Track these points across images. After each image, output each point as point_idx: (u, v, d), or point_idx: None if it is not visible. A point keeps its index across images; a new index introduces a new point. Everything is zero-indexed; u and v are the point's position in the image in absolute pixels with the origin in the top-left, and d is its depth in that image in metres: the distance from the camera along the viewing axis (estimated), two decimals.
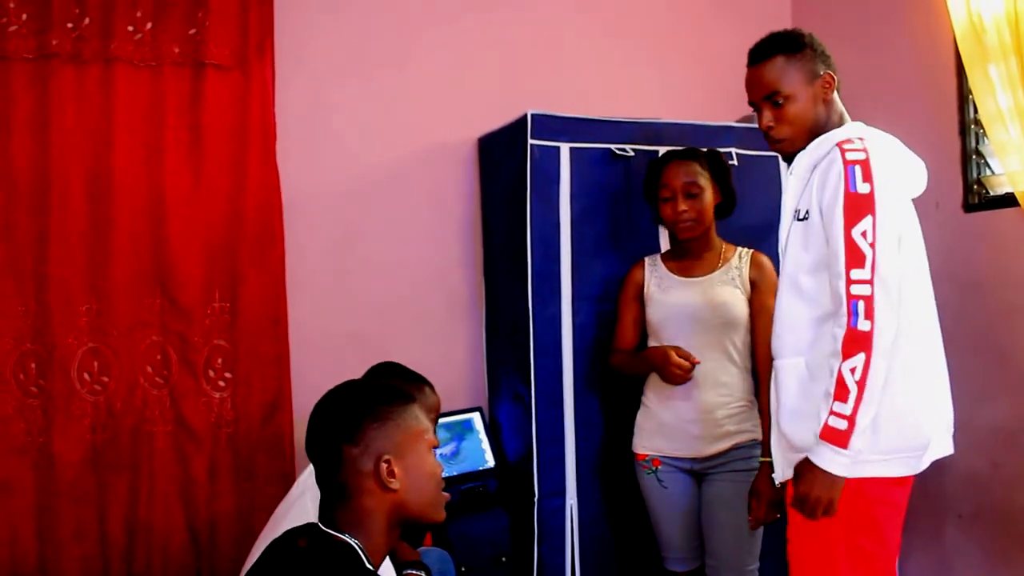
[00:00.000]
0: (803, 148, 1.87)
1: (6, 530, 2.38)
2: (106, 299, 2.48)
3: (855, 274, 1.68)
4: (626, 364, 2.48)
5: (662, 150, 2.60)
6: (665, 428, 2.37)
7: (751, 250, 2.41)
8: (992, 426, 2.62)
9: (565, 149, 2.61)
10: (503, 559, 2.59)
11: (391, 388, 1.43)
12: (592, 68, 3.17)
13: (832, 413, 1.67)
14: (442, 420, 2.44)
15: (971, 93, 2.61)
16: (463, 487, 2.63)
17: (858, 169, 1.71)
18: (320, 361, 2.67)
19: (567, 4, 3.17)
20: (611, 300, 2.56)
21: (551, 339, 2.58)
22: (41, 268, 2.42)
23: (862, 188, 1.70)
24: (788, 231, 1.88)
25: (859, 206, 1.69)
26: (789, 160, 1.92)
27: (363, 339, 2.76)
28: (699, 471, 2.36)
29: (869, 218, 1.69)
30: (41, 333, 2.43)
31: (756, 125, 1.96)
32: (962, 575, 2.77)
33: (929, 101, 2.82)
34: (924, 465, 1.79)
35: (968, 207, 2.72)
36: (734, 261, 2.39)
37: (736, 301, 2.34)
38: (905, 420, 1.74)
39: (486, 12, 3.05)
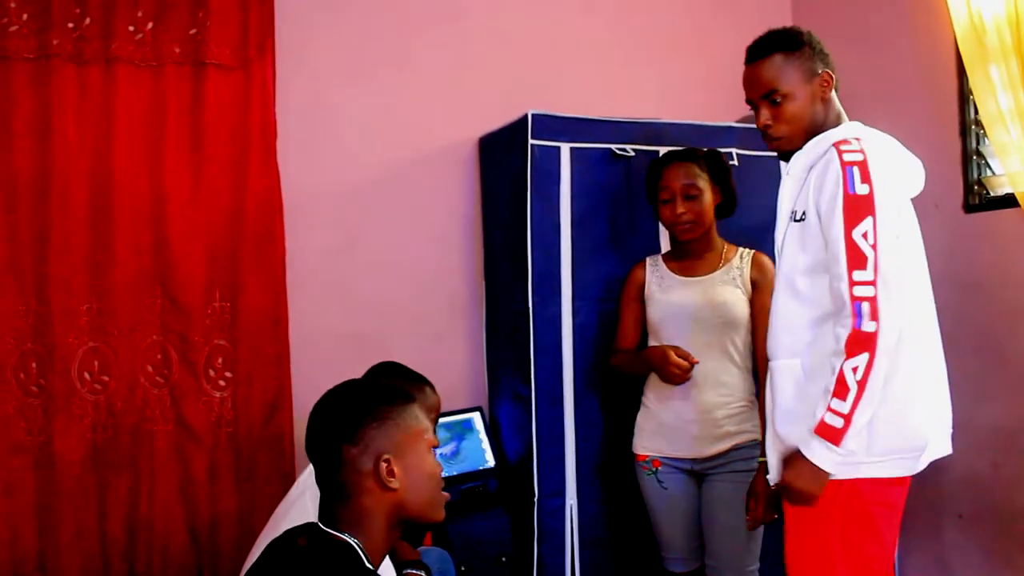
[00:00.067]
0: (800, 147, 1.86)
1: (6, 530, 2.38)
2: (106, 299, 2.49)
3: (857, 275, 1.67)
4: (625, 364, 2.48)
5: (662, 150, 2.60)
6: (665, 428, 2.37)
7: (752, 250, 2.41)
8: (992, 426, 2.62)
9: (565, 149, 2.61)
10: (503, 559, 2.59)
11: (391, 388, 1.43)
12: (592, 68, 3.16)
13: (829, 410, 1.67)
14: (442, 420, 2.44)
15: (972, 94, 2.61)
16: (463, 487, 2.63)
17: (856, 170, 1.70)
18: (320, 361, 2.67)
19: (567, 4, 3.17)
20: (611, 300, 2.56)
21: (551, 339, 2.58)
22: (42, 268, 2.43)
23: (861, 189, 1.69)
24: (784, 232, 1.87)
25: (859, 207, 1.69)
26: (786, 159, 1.91)
27: (363, 339, 2.76)
28: (699, 472, 2.36)
29: (869, 219, 1.68)
30: (41, 333, 2.43)
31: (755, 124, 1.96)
32: (962, 575, 2.77)
33: (929, 101, 2.82)
34: (922, 466, 1.78)
35: (968, 208, 2.72)
36: (735, 261, 2.39)
37: (737, 301, 2.34)
38: (902, 421, 1.73)
39: (486, 12, 3.05)
